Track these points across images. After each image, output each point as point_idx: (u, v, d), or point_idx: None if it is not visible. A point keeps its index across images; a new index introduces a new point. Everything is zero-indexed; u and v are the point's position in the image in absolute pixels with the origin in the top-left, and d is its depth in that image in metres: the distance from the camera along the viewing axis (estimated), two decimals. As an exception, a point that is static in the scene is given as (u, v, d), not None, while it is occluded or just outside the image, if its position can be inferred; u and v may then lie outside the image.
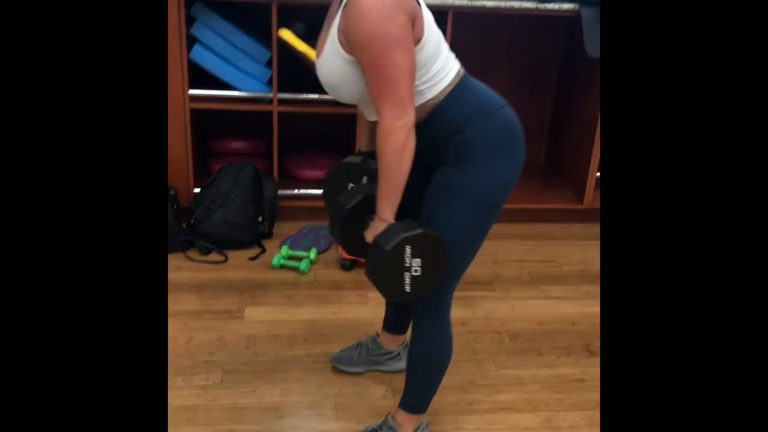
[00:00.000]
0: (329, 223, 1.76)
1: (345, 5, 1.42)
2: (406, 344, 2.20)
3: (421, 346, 1.74)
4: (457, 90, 1.55)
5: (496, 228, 3.20)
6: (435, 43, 1.51)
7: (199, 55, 2.81)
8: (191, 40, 2.82)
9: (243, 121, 3.18)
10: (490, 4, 2.81)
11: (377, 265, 1.52)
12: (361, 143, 1.90)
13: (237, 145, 3.21)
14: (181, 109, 2.82)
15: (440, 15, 2.84)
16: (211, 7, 2.81)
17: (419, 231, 1.51)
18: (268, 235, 2.96)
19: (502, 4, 2.82)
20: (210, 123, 3.24)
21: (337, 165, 1.81)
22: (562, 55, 3.50)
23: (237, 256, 2.80)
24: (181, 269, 2.69)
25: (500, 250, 3.01)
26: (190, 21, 2.81)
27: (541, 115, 3.66)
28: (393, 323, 2.12)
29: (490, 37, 3.44)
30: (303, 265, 2.69)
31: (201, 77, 2.87)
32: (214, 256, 2.79)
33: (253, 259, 2.79)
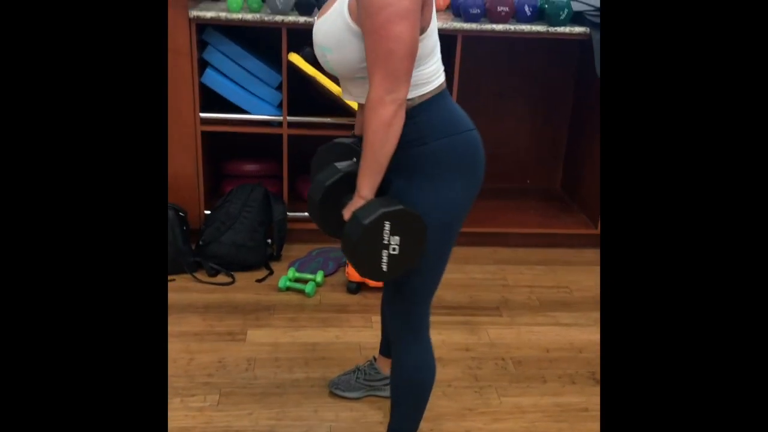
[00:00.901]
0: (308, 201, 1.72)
1: None
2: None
3: (402, 370, 1.72)
4: (434, 100, 1.53)
5: (507, 253, 3.19)
6: (431, 46, 1.50)
7: (211, 78, 2.84)
8: (203, 64, 2.86)
9: (255, 143, 3.20)
10: (500, 27, 2.80)
11: (354, 240, 1.48)
12: (356, 129, 1.87)
13: (249, 167, 3.23)
14: (192, 131, 2.85)
15: (449, 39, 2.85)
16: (223, 31, 2.85)
17: (399, 207, 1.48)
18: (277, 257, 2.96)
19: (512, 28, 2.81)
20: (224, 145, 3.28)
21: (327, 144, 1.76)
22: (576, 79, 3.47)
23: (245, 278, 2.81)
24: (188, 290, 2.70)
25: (510, 275, 2.97)
26: (203, 45, 2.85)
27: (556, 140, 3.62)
28: (390, 348, 2.09)
29: (504, 61, 3.42)
30: (309, 287, 2.69)
31: (212, 100, 2.90)
32: (221, 278, 2.80)
33: (260, 281, 2.79)
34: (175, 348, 2.34)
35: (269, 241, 2.93)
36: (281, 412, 2.06)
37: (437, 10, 3.07)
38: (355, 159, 1.72)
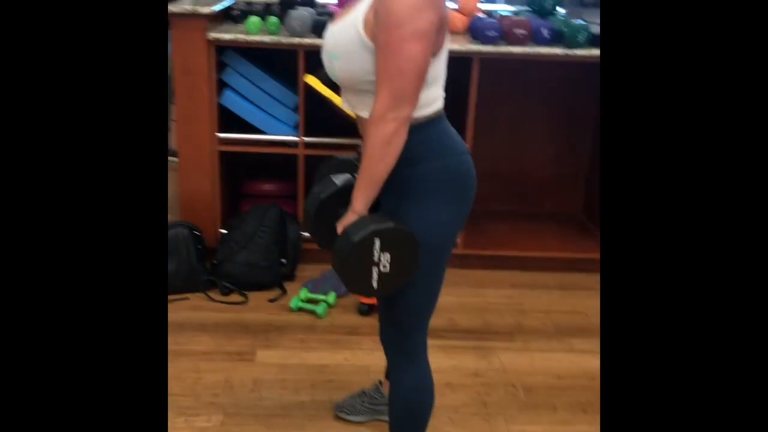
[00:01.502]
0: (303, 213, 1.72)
1: None
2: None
3: (400, 393, 1.70)
4: (430, 123, 1.53)
5: (525, 277, 3.14)
6: (439, 70, 1.51)
7: (229, 99, 2.87)
8: (222, 85, 2.89)
9: (274, 163, 3.22)
10: (517, 50, 2.79)
11: (343, 256, 1.48)
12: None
13: (266, 187, 3.25)
14: (209, 151, 2.88)
15: (466, 61, 2.84)
16: (242, 53, 2.88)
17: (391, 225, 1.47)
18: (291, 277, 2.96)
19: (529, 50, 2.79)
20: (243, 165, 3.30)
21: (330, 159, 1.76)
22: (597, 101, 3.43)
23: (257, 298, 2.81)
24: (200, 309, 2.71)
25: (527, 299, 2.92)
26: (222, 67, 2.89)
27: (578, 163, 3.58)
28: (396, 371, 2.07)
29: (524, 84, 3.40)
30: (320, 308, 2.67)
31: (231, 121, 2.93)
32: (234, 297, 2.80)
33: (272, 300, 2.79)
34: (183, 366, 2.34)
35: (284, 260, 2.93)
36: (284, 435, 2.05)
37: (455, 32, 3.07)
38: (350, 174, 1.72)
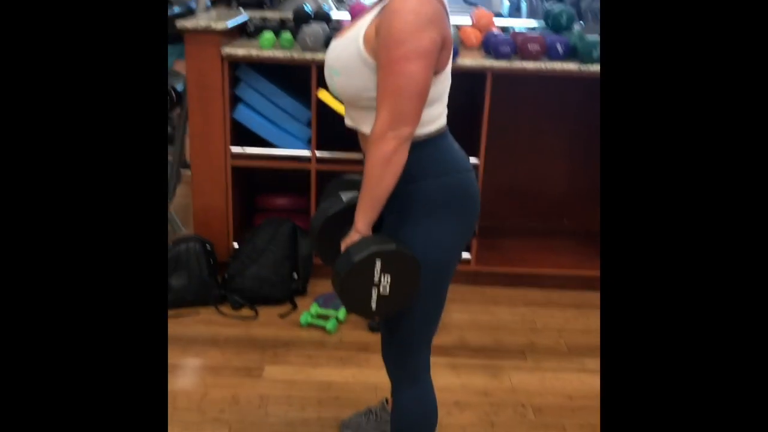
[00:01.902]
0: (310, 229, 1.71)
1: (387, 3, 1.40)
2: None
3: (402, 413, 1.67)
4: (430, 142, 1.51)
5: (539, 295, 3.10)
6: (441, 90, 1.50)
7: (243, 114, 2.89)
8: (236, 100, 2.91)
9: (288, 178, 3.23)
10: (530, 65, 2.77)
11: (343, 277, 1.47)
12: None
13: (280, 201, 3.25)
14: (222, 165, 2.89)
15: (479, 77, 2.82)
16: (256, 68, 2.90)
17: (392, 247, 1.46)
18: (302, 292, 2.95)
19: (543, 66, 2.77)
20: (258, 179, 3.31)
21: (340, 178, 1.76)
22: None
23: (268, 313, 2.80)
24: (211, 323, 2.71)
25: (540, 318, 2.88)
26: (236, 82, 2.91)
27: (596, 179, 3.53)
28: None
29: (540, 99, 3.37)
30: (330, 324, 2.66)
31: (244, 135, 2.94)
32: (245, 312, 2.80)
33: (283, 316, 2.78)
34: (190, 381, 2.34)
35: (295, 275, 2.93)
36: (288, 452, 2.03)
37: (470, 48, 3.06)
38: (358, 192, 1.71)
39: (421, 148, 1.50)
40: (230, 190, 2.94)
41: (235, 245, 3.00)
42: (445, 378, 2.42)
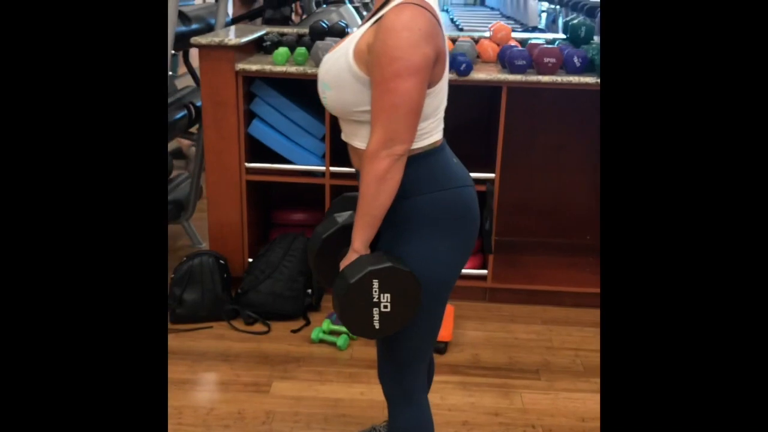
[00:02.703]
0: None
1: (379, 18, 1.39)
2: None
3: (396, 430, 1.63)
4: (423, 156, 1.49)
5: (558, 313, 3.03)
6: (436, 104, 1.47)
7: (257, 129, 2.90)
8: (251, 116, 2.92)
9: (305, 192, 3.23)
10: (546, 79, 2.72)
11: (341, 298, 1.45)
12: (354, 164, 1.83)
13: (296, 216, 3.25)
14: (237, 180, 2.90)
15: (494, 90, 2.79)
16: (271, 84, 2.91)
17: (388, 265, 1.43)
18: (316, 308, 2.93)
19: (559, 79, 2.72)
20: (274, 194, 3.32)
21: (342, 197, 1.74)
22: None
23: (280, 328, 2.79)
24: (222, 338, 2.71)
25: (556, 336, 2.81)
26: (251, 97, 2.92)
27: (618, 194, 3.45)
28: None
29: (560, 113, 3.32)
30: (341, 340, 2.64)
31: (258, 150, 2.95)
32: (258, 327, 2.79)
33: (295, 331, 2.77)
34: (198, 396, 2.34)
35: (309, 291, 2.91)
36: (290, 470, 2.01)
37: (486, 61, 3.03)
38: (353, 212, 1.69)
39: (415, 163, 1.47)
40: (245, 205, 2.94)
41: (251, 260, 3.01)
42: (456, 397, 2.37)
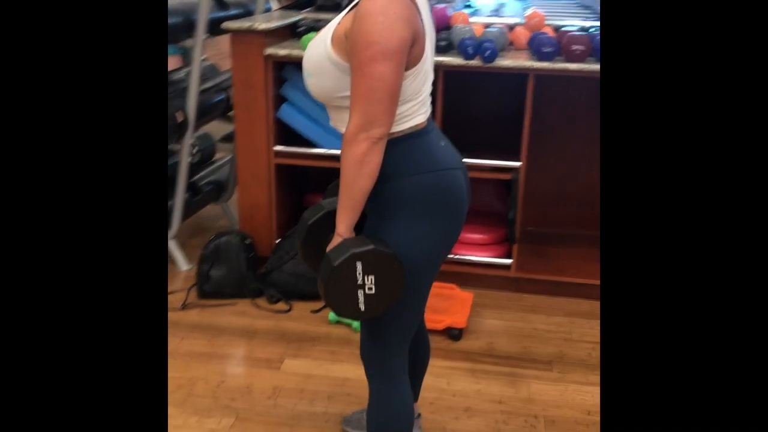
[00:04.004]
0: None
1: (356, 4, 1.42)
2: (419, 414, 2.09)
3: (373, 412, 1.66)
4: (404, 139, 1.50)
5: (581, 305, 2.98)
6: (416, 86, 1.48)
7: (287, 113, 2.96)
8: (281, 100, 2.98)
9: (334, 177, 3.27)
10: (573, 67, 2.67)
11: (326, 281, 1.48)
12: None
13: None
14: (266, 163, 2.98)
15: (521, 78, 2.76)
16: (300, 68, 2.96)
17: (370, 247, 1.45)
18: (339, 290, 2.98)
19: (586, 67, 2.66)
20: (309, 179, 3.38)
21: (335, 182, 1.74)
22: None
23: (301, 308, 2.85)
24: (244, 315, 2.80)
25: (576, 328, 2.76)
26: (281, 81, 2.98)
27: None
28: (403, 391, 2.03)
29: (592, 102, 3.24)
30: (356, 322, 2.67)
31: (290, 134, 3.01)
32: (280, 306, 2.87)
33: (315, 311, 2.82)
34: (211, 369, 2.42)
35: (333, 273, 2.96)
36: (287, 444, 2.07)
37: (519, 48, 2.99)
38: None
39: (396, 147, 1.49)
40: (274, 188, 3.01)
41: (278, 241, 3.08)
42: (462, 383, 2.38)
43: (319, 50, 1.48)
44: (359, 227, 1.55)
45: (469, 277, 3.00)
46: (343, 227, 1.49)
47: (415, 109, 1.50)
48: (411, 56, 1.42)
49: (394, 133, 1.48)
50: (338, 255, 1.46)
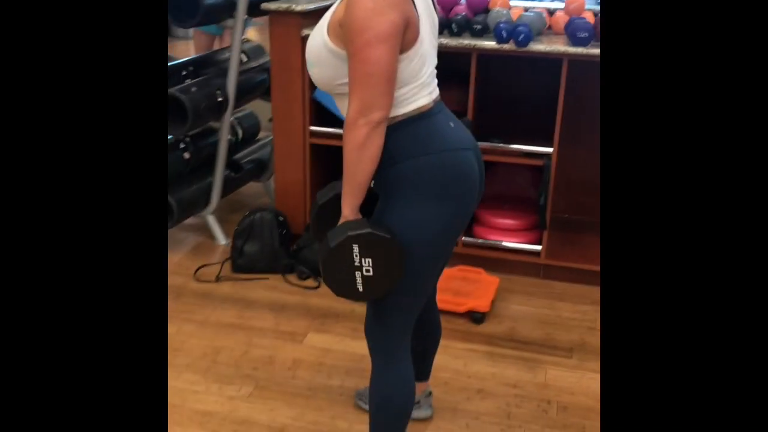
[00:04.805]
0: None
1: None
2: (429, 392, 2.13)
3: (374, 389, 1.70)
4: (408, 122, 1.52)
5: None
6: (414, 69, 1.50)
7: (322, 94, 3.01)
8: (318, 81, 3.04)
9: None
10: (608, 52, 2.63)
11: (323, 262, 1.52)
12: None
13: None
14: (301, 143, 3.04)
15: (555, 63, 2.73)
16: (338, 50, 3.00)
17: (367, 230, 1.48)
18: (368, 270, 3.03)
19: (622, 52, 2.62)
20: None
21: None
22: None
23: (330, 285, 2.91)
24: (274, 290, 2.88)
25: (603, 317, 2.74)
26: (319, 63, 3.03)
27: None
28: (413, 369, 2.06)
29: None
30: (381, 301, 2.72)
31: (326, 115, 3.07)
32: (309, 282, 2.94)
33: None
34: (237, 339, 2.52)
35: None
36: (300, 414, 2.14)
37: (556, 33, 2.96)
38: (372, 182, 1.74)
39: (400, 130, 1.52)
40: (308, 167, 3.08)
41: (312, 219, 3.15)
42: (479, 365, 2.40)
43: (316, 40, 1.52)
44: (369, 209, 1.59)
45: (499, 262, 3.01)
46: (348, 209, 1.53)
47: (416, 92, 1.52)
48: (405, 40, 1.45)
49: (397, 116, 1.51)
50: (336, 236, 1.50)
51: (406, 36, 1.44)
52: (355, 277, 1.52)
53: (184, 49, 6.25)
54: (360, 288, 1.54)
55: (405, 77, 1.48)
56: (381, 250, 1.50)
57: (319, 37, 1.51)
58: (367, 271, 1.51)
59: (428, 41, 1.52)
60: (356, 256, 1.50)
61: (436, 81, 1.61)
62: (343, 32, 1.44)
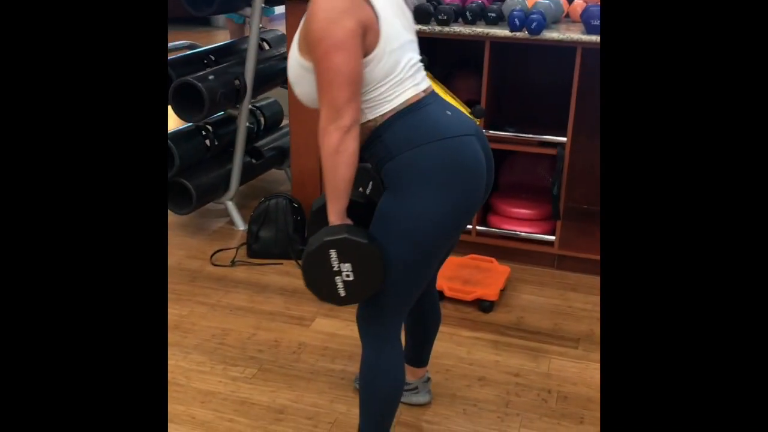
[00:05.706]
0: None
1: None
2: (428, 378, 2.14)
3: (364, 371, 1.72)
4: (398, 116, 1.53)
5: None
6: (387, 67, 1.51)
7: (339, 82, 3.03)
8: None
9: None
10: (623, 40, 2.58)
11: (303, 267, 1.55)
12: None
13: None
14: (316, 131, 3.06)
15: (570, 51, 2.70)
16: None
17: (343, 236, 1.50)
18: (381, 257, 3.05)
19: (636, 40, 2.57)
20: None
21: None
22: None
23: (342, 272, 2.95)
24: (287, 275, 2.93)
25: (614, 309, 2.71)
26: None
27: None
28: (412, 355, 2.08)
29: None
30: (390, 288, 2.74)
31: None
32: (322, 269, 2.97)
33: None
34: (246, 322, 2.57)
35: (376, 240, 3.04)
36: (300, 396, 2.17)
37: (574, 21, 2.92)
38: (371, 183, 1.77)
39: (388, 127, 1.53)
40: (324, 154, 3.10)
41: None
42: (482, 353, 2.40)
43: (292, 59, 1.56)
44: (358, 215, 1.60)
45: (512, 251, 2.99)
46: (333, 215, 1.56)
47: (396, 88, 1.53)
48: (367, 43, 1.47)
49: (385, 113, 1.53)
50: (313, 242, 1.53)
51: (368, 39, 1.46)
52: (335, 282, 1.54)
53: (223, 38, 6.33)
54: (342, 293, 1.56)
55: (379, 77, 1.50)
56: (359, 255, 1.51)
57: (293, 55, 1.56)
58: (348, 276, 1.53)
59: (400, 38, 1.53)
60: (334, 261, 1.51)
61: (423, 73, 1.61)
62: (306, 45, 1.48)
